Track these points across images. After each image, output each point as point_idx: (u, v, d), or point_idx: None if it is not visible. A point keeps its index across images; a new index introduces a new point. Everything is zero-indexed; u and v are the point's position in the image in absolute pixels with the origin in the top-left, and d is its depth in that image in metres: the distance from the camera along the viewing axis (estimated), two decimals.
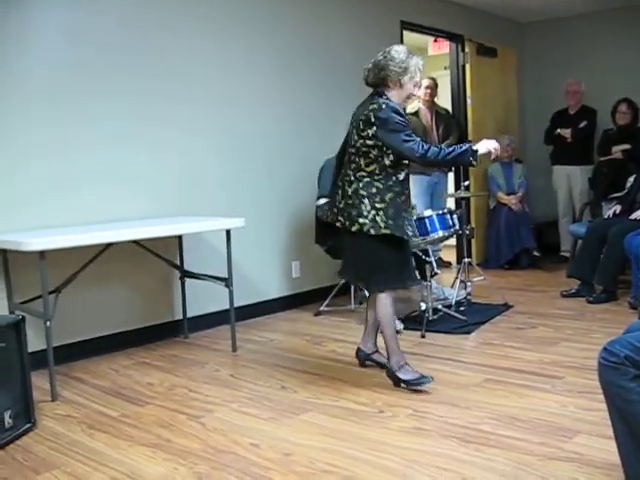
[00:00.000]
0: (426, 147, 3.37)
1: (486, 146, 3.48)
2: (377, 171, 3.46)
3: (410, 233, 3.51)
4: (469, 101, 7.20)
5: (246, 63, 5.16)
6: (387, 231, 3.43)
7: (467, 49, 7.15)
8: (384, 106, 3.41)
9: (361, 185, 3.47)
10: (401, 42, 6.44)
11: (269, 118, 5.33)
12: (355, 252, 3.58)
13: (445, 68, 7.96)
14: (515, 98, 7.92)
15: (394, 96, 3.52)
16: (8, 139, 3.93)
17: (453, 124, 7.03)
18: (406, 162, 3.51)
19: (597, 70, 7.36)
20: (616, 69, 7.28)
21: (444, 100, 7.16)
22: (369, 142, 3.43)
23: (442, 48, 8.27)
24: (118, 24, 4.38)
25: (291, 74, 5.47)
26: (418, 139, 3.41)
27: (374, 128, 3.41)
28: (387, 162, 3.44)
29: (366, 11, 6.09)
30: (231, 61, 5.05)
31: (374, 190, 3.45)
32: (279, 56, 5.38)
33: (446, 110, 7.13)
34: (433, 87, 6.88)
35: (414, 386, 3.46)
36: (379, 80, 3.52)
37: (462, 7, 7.11)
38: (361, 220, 3.44)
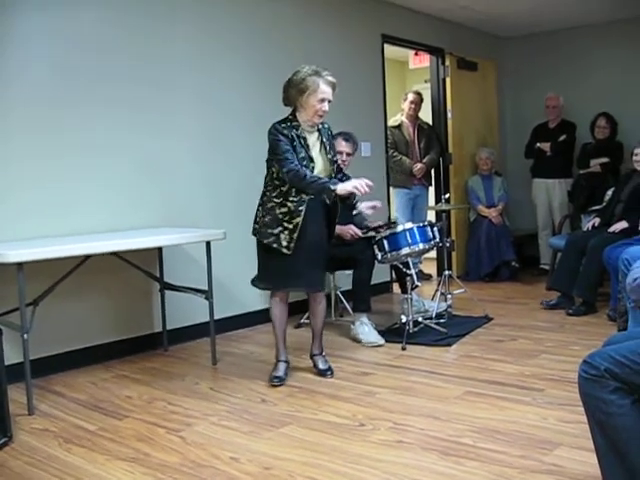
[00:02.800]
0: (294, 169, 3.58)
1: (345, 188, 3.61)
2: (269, 181, 3.78)
3: (285, 243, 3.66)
4: (449, 114, 7.23)
5: (229, 70, 5.17)
6: (257, 237, 3.79)
7: (448, 62, 7.18)
8: (272, 129, 3.70)
9: (261, 194, 3.83)
10: (382, 55, 6.49)
11: (255, 128, 5.28)
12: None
13: (425, 81, 8.00)
14: (495, 111, 7.96)
15: (302, 115, 3.72)
16: None
17: (435, 139, 7.09)
18: None
19: (576, 84, 7.44)
20: (595, 83, 7.36)
21: (424, 113, 7.19)
22: (268, 156, 3.76)
23: (423, 62, 8.32)
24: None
25: (272, 86, 5.41)
26: (295, 160, 3.60)
27: (268, 145, 3.72)
28: (274, 174, 3.72)
29: (347, 24, 6.12)
30: (213, 68, 5.05)
31: (265, 198, 3.79)
32: (260, 66, 5.35)
33: (428, 125, 7.18)
34: (418, 102, 6.95)
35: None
36: (286, 101, 3.77)
37: (443, 21, 7.16)
38: (254, 225, 3.82)
